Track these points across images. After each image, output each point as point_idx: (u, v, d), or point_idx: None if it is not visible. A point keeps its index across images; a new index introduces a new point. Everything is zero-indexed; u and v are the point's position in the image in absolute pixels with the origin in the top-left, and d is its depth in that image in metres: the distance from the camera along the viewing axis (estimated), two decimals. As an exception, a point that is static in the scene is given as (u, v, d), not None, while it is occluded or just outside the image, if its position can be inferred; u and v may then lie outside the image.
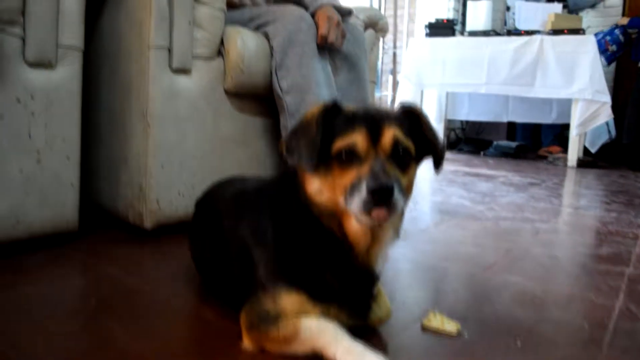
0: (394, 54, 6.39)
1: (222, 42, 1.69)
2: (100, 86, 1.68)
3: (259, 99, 1.80)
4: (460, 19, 5.48)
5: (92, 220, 1.69)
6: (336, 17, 1.79)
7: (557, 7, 4.60)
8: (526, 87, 4.48)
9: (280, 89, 1.69)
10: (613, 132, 4.65)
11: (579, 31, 4.42)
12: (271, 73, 1.72)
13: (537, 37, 4.44)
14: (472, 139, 5.81)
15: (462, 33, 4.89)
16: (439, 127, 5.45)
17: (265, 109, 1.83)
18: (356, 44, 1.91)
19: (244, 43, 1.68)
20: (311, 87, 1.68)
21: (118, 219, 1.65)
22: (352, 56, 1.89)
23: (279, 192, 0.96)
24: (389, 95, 6.39)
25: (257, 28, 1.79)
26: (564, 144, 5.07)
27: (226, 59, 1.68)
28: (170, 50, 1.55)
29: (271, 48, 1.72)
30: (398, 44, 6.35)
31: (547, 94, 4.43)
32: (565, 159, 4.55)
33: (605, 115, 4.25)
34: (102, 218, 1.73)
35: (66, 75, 1.41)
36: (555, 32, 4.44)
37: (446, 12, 5.54)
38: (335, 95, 1.78)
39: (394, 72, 6.31)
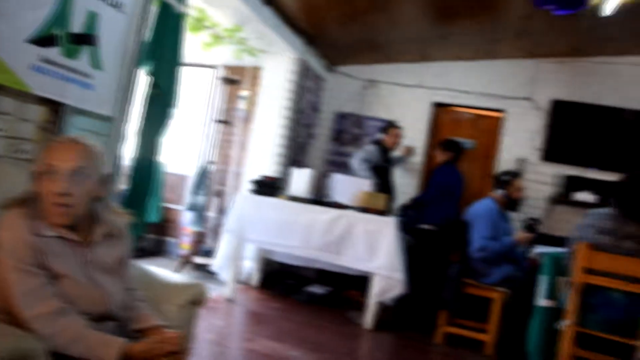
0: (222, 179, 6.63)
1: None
2: None
3: None
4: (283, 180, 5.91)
5: None
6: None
7: (367, 184, 5.22)
8: (336, 255, 4.99)
9: None
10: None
11: (383, 212, 5.05)
12: None
13: (349, 212, 4.99)
14: (287, 273, 6.23)
15: (284, 193, 5.28)
16: (256, 266, 5.77)
17: None
18: None
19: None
20: None
21: None
22: None
23: None
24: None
25: None
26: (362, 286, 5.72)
27: None
28: None
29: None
30: (230, 167, 6.62)
31: (353, 264, 4.98)
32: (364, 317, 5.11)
33: (398, 289, 4.90)
34: None
35: None
36: (364, 209, 5.03)
37: (271, 166, 5.96)
38: None
39: (221, 194, 6.53)
